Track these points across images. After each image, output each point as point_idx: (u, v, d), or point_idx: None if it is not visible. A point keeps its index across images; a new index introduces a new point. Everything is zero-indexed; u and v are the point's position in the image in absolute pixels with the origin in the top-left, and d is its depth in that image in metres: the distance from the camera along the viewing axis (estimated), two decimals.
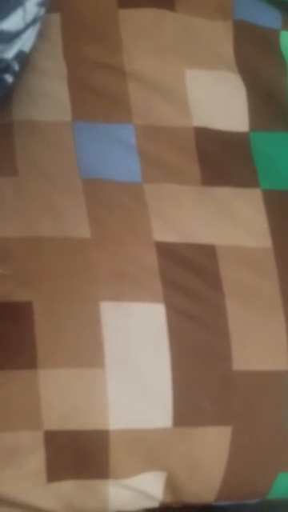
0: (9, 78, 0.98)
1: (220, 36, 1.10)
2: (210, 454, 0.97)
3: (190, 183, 1.02)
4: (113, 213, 0.98)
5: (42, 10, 0.99)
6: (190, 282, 0.97)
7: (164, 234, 0.98)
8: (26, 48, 0.99)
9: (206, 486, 0.98)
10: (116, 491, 0.95)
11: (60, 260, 0.95)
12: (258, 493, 1.01)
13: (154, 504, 0.99)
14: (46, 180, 0.98)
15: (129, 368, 0.94)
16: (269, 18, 1.13)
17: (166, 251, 0.98)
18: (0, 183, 0.97)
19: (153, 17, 1.08)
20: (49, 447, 0.92)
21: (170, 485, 0.97)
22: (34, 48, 1.01)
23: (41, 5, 0.98)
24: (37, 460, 0.92)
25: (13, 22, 0.94)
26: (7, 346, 0.92)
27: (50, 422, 0.91)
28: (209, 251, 0.99)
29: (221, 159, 1.04)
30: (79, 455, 0.93)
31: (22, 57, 0.98)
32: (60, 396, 0.92)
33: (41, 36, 1.02)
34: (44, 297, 0.93)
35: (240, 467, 0.98)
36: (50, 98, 1.01)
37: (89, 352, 0.93)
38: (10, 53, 0.96)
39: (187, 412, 0.95)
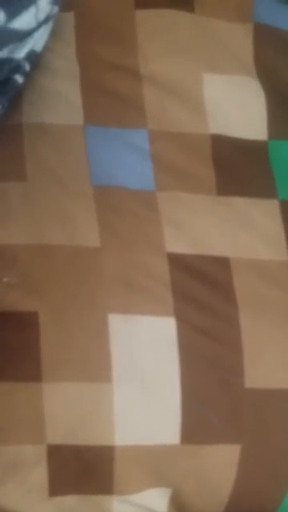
0: (19, 79, 0.96)
1: (239, 39, 1.08)
2: (218, 471, 0.95)
3: (205, 192, 1.00)
4: (124, 221, 0.96)
5: (56, 8, 0.98)
6: (203, 295, 0.96)
7: (177, 244, 0.97)
8: (38, 47, 0.97)
9: (212, 503, 0.96)
10: (120, 507, 0.93)
11: (68, 269, 0.93)
12: (267, 510, 0.99)
13: None
14: (55, 186, 0.96)
15: (136, 383, 0.92)
16: None
17: (178, 262, 0.96)
18: (8, 188, 0.95)
19: (170, 18, 1.06)
20: (52, 461, 0.90)
21: (176, 501, 0.95)
22: (46, 48, 0.99)
23: (54, 3, 0.97)
24: (39, 474, 0.90)
25: (25, 21, 0.92)
26: (12, 357, 0.90)
27: (53, 436, 0.90)
28: (222, 263, 0.97)
29: (237, 168, 1.02)
30: (83, 470, 0.91)
31: (33, 56, 0.97)
32: (65, 410, 0.90)
33: (53, 35, 1.00)
34: (51, 307, 0.91)
35: (248, 485, 0.96)
36: (61, 100, 1.00)
37: (96, 365, 0.91)
38: (21, 52, 0.95)
39: (196, 429, 0.93)
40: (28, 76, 0.98)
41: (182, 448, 0.93)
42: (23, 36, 0.93)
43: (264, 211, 1.01)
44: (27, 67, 0.96)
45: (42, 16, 0.93)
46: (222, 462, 0.95)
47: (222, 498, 0.96)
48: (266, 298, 0.98)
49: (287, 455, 0.97)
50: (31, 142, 0.97)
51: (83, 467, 0.91)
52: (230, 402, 0.94)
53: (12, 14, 0.90)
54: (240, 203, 1.01)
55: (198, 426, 0.94)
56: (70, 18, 1.03)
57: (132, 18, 1.05)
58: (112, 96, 1.01)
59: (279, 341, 0.97)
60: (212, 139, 1.02)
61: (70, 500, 0.92)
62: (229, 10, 1.09)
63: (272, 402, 0.96)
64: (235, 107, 1.05)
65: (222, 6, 1.09)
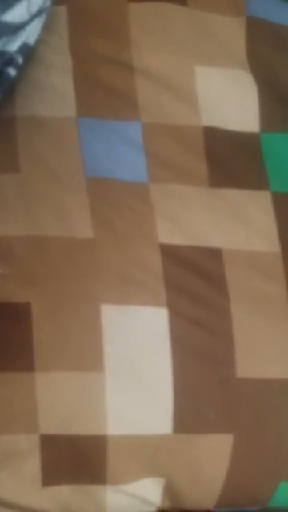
0: (12, 72, 0.96)
1: (232, 32, 1.08)
2: (211, 461, 0.95)
3: (198, 184, 1.00)
4: (117, 213, 0.96)
5: (48, 1, 0.98)
6: (195, 286, 0.96)
7: (169, 236, 0.97)
8: (31, 40, 0.97)
9: (206, 492, 0.97)
10: (114, 497, 0.94)
11: (63, 260, 0.93)
12: (259, 501, 0.99)
13: (152, 510, 0.97)
14: (49, 178, 0.96)
15: (129, 372, 0.92)
16: (282, 14, 1.11)
17: (170, 254, 0.96)
18: (2, 180, 0.95)
19: (163, 11, 1.06)
20: (45, 451, 0.90)
21: (169, 491, 0.96)
22: (39, 41, 0.99)
23: None
24: (33, 464, 0.90)
25: (17, 13, 0.92)
26: (5, 348, 0.90)
27: (46, 425, 0.90)
28: (215, 254, 0.97)
29: (230, 160, 1.02)
30: (77, 460, 0.92)
31: (26, 49, 0.97)
32: (58, 400, 0.90)
33: (46, 29, 1.00)
34: (44, 298, 0.92)
35: (241, 475, 0.96)
36: (54, 93, 0.99)
37: (88, 355, 0.91)
38: (14, 45, 0.94)
39: (188, 418, 0.94)
40: (21, 69, 0.98)
41: (175, 437, 0.93)
42: (16, 29, 0.93)
43: (256, 203, 1.01)
44: (20, 60, 0.96)
45: (34, 9, 0.93)
46: (214, 452, 0.95)
47: (215, 489, 0.96)
48: (258, 289, 0.98)
49: (280, 446, 0.97)
50: (25, 134, 0.97)
51: (76, 457, 0.92)
52: (222, 392, 0.95)
53: (4, 7, 0.90)
54: (232, 195, 1.00)
55: (191, 415, 0.94)
56: (63, 11, 1.03)
57: (125, 12, 1.05)
58: (105, 89, 1.01)
59: (271, 332, 0.97)
60: (205, 131, 1.02)
61: (64, 490, 0.92)
62: (222, 4, 1.09)
63: (264, 392, 0.96)
64: (228, 100, 1.04)
65: (215, 0, 1.09)
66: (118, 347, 0.92)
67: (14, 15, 0.92)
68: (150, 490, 0.95)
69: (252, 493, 0.98)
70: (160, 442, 0.93)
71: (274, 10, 1.11)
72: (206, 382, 0.94)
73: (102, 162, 0.98)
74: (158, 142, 1.00)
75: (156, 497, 0.96)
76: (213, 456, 0.95)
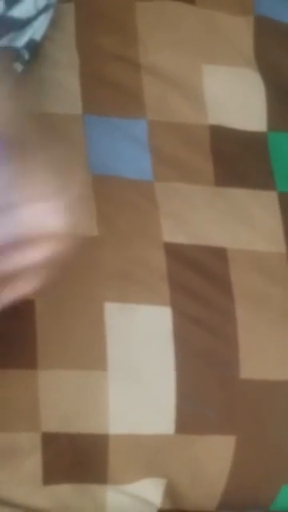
0: (18, 67, 0.95)
1: (240, 31, 1.07)
2: (213, 462, 0.95)
3: (203, 183, 1.00)
4: (122, 211, 0.96)
5: None
6: (199, 286, 0.95)
7: (174, 234, 0.96)
8: (37, 36, 0.97)
9: (207, 494, 0.96)
10: (114, 497, 0.93)
11: (66, 258, 0.93)
12: (261, 503, 0.99)
13: (153, 511, 0.97)
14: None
15: (132, 372, 0.92)
16: None
17: (175, 253, 0.96)
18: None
19: (171, 9, 1.06)
20: (46, 449, 0.90)
21: (170, 492, 0.95)
22: (45, 37, 0.99)
23: None
24: (34, 462, 0.90)
25: (24, 9, 0.92)
26: (8, 345, 0.90)
27: (48, 423, 0.90)
28: (220, 254, 0.97)
29: (236, 159, 1.02)
30: (77, 459, 0.91)
31: (32, 45, 0.96)
32: (60, 398, 0.90)
33: (53, 25, 1.00)
34: (47, 295, 0.91)
35: (243, 477, 0.96)
36: (61, 90, 0.99)
37: (91, 353, 0.91)
38: (21, 41, 0.94)
39: (190, 419, 0.93)
40: (27, 65, 0.97)
41: (177, 438, 0.93)
42: (23, 24, 0.93)
43: (262, 203, 1.01)
44: (26, 56, 0.96)
45: (41, 4, 0.93)
46: (216, 453, 0.94)
47: (216, 490, 0.96)
48: (262, 290, 0.97)
49: (283, 448, 0.97)
50: None
51: (77, 456, 0.91)
52: (225, 393, 0.94)
53: (12, 2, 0.89)
54: (238, 195, 1.00)
55: (193, 416, 0.93)
56: (70, 8, 1.03)
57: (133, 9, 1.05)
58: (111, 86, 1.01)
59: (274, 333, 0.97)
60: (211, 130, 1.02)
61: (64, 489, 0.92)
62: (230, 2, 1.09)
63: (267, 393, 0.95)
64: (235, 99, 1.04)
65: None
66: (120, 346, 0.92)
67: (21, 10, 0.91)
68: (151, 490, 0.95)
69: (254, 496, 0.98)
70: (162, 443, 0.92)
71: (282, 10, 1.11)
72: (209, 382, 0.94)
73: (107, 159, 0.98)
74: (163, 140, 1.00)
75: (156, 498, 0.95)
76: (214, 457, 0.95)
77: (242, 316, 0.95)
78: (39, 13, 0.94)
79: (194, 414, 0.93)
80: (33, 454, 0.90)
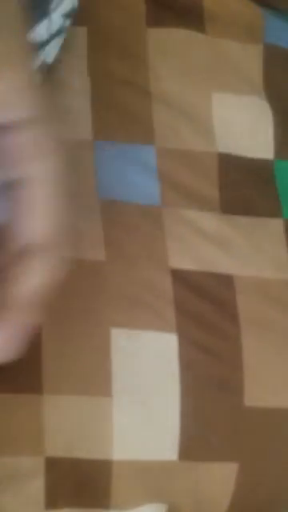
0: None
1: (249, 59, 1.08)
2: (215, 489, 0.94)
3: (210, 210, 1.00)
4: (129, 236, 0.96)
5: (68, 21, 0.97)
6: (206, 312, 0.95)
7: (180, 260, 0.96)
8: (49, 59, 0.97)
9: None
10: None
11: (72, 282, 0.92)
12: None
13: None
14: None
15: (137, 398, 0.91)
16: None
17: (181, 279, 0.95)
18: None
19: (182, 37, 1.06)
20: (50, 474, 0.89)
21: None
22: (57, 61, 0.99)
23: (66, 16, 0.97)
24: (36, 486, 0.89)
25: (37, 33, 0.92)
26: (13, 369, 0.88)
27: (52, 448, 0.89)
28: (226, 281, 0.97)
29: (243, 187, 1.02)
30: (81, 484, 0.91)
31: (44, 68, 0.96)
32: (64, 423, 0.89)
33: (66, 49, 1.00)
34: (53, 319, 0.91)
35: (245, 504, 0.96)
36: (71, 114, 0.99)
37: (96, 379, 0.90)
38: (34, 65, 0.94)
39: (194, 446, 0.93)
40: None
41: (180, 465, 0.92)
42: (35, 49, 0.92)
43: (269, 230, 1.01)
44: (38, 79, 0.96)
45: (54, 28, 0.93)
46: (219, 480, 0.94)
47: None
48: (269, 317, 0.97)
49: (285, 475, 0.96)
50: None
51: (81, 481, 0.90)
52: (230, 420, 0.94)
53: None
54: (244, 222, 1.00)
55: (197, 442, 0.93)
56: (83, 32, 1.03)
57: (143, 36, 1.05)
58: (121, 111, 1.01)
59: (280, 361, 0.96)
60: (219, 158, 1.02)
61: None
62: (240, 31, 1.09)
63: (272, 421, 0.95)
64: (243, 127, 1.04)
65: (233, 27, 1.09)
66: (126, 372, 0.91)
67: (35, 35, 0.91)
68: None
69: None
70: (165, 469, 0.92)
71: None
72: (214, 409, 0.94)
73: (115, 184, 0.98)
74: (171, 167, 1.00)
75: None
76: (217, 484, 0.94)
77: (248, 343, 0.95)
78: (52, 37, 0.94)
79: (197, 441, 0.93)
80: (36, 478, 0.89)
